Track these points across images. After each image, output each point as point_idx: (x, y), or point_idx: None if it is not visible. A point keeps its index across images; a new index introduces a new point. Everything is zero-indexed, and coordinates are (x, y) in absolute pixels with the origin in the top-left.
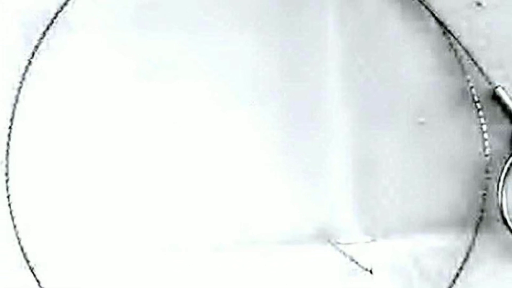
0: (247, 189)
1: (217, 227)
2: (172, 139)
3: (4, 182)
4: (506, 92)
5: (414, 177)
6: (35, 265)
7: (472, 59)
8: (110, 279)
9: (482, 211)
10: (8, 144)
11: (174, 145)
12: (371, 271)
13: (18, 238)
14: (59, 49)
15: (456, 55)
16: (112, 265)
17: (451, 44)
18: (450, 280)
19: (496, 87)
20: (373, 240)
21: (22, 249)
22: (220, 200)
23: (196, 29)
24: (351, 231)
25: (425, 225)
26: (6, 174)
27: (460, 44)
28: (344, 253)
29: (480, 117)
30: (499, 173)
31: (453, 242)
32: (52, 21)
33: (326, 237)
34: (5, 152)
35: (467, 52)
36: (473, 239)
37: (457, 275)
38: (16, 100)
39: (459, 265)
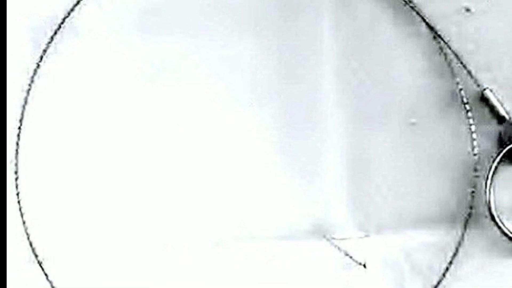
0: (245, 187)
1: (217, 223)
2: (174, 138)
3: (14, 180)
4: (494, 94)
5: (405, 175)
6: (43, 259)
7: (461, 63)
8: (114, 272)
9: (471, 208)
10: (17, 143)
11: (176, 144)
12: (364, 265)
13: (27, 234)
14: (66, 53)
15: (446, 58)
16: (116, 259)
17: (441, 48)
18: (440, 274)
19: (484, 89)
20: (367, 236)
21: (31, 244)
22: (220, 197)
23: (197, 33)
24: (346, 227)
25: (416, 221)
26: (16, 172)
27: (450, 48)
28: (338, 248)
29: (468, 118)
30: (487, 172)
31: (443, 237)
32: (60, 26)
33: (322, 232)
34: (14, 152)
35: (456, 56)
36: (462, 235)
37: (447, 269)
38: (25, 102)
39: (449, 260)
